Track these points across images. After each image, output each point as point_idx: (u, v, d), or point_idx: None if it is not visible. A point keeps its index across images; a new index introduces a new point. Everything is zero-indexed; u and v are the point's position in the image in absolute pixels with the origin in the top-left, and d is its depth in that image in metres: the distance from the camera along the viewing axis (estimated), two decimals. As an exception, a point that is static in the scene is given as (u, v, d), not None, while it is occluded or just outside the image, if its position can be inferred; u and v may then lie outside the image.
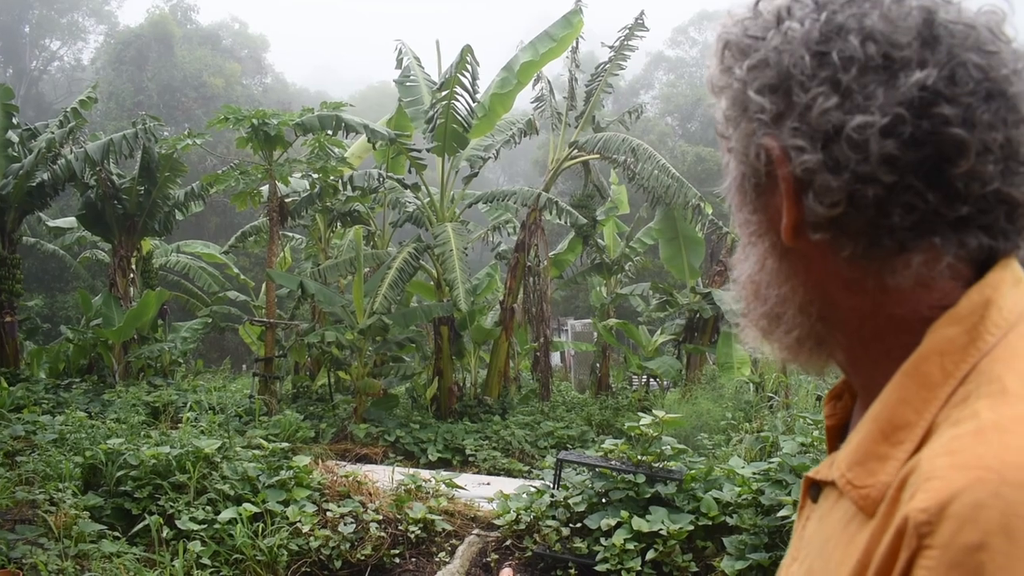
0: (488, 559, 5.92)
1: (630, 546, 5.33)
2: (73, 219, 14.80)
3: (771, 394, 9.97)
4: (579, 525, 5.79)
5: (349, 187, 12.29)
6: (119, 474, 6.23)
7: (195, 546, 5.42)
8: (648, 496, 5.76)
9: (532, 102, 14.01)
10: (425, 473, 7.29)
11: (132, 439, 6.94)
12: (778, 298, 0.80)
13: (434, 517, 6.24)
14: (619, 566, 5.28)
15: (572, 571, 5.58)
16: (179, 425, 7.78)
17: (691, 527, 5.43)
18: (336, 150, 12.20)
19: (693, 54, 47.03)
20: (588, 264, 15.59)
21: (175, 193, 13.71)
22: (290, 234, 16.11)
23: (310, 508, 6.08)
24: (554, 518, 5.86)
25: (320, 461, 7.44)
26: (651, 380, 15.39)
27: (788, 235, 0.76)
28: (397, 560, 5.93)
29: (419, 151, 12.13)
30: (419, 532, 6.11)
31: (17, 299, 12.89)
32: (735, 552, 5.11)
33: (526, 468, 9.43)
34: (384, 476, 7.12)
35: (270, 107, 14.31)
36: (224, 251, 16.52)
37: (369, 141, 12.14)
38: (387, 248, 13.75)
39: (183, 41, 38.19)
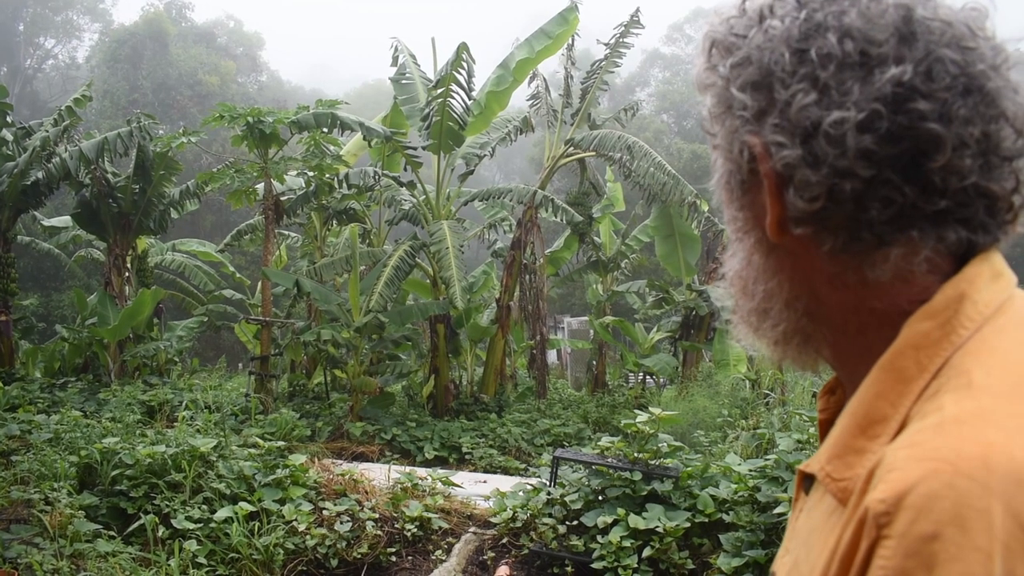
0: (485, 557, 5.92)
1: (627, 543, 5.33)
2: (68, 218, 14.76)
3: (767, 391, 9.98)
4: (576, 523, 5.79)
5: (345, 185, 12.28)
6: (114, 473, 6.20)
7: (191, 545, 5.41)
8: (644, 493, 5.76)
9: (528, 99, 14.01)
10: (421, 471, 7.29)
11: (127, 438, 6.92)
12: (765, 293, 0.81)
13: (430, 515, 6.23)
14: (616, 563, 5.29)
15: (569, 569, 5.58)
16: (175, 424, 7.76)
17: (687, 524, 5.43)
18: (332, 148, 12.18)
19: (689, 51, 47.03)
20: (584, 261, 15.59)
21: (170, 191, 13.69)
22: (286, 232, 16.09)
23: (306, 507, 6.07)
24: (551, 516, 5.86)
25: (316, 459, 7.44)
26: (647, 377, 15.39)
27: (773, 231, 0.77)
28: (393, 558, 5.93)
29: (415, 149, 12.11)
30: (415, 530, 6.10)
31: (12, 298, 12.86)
32: (731, 549, 5.11)
33: (523, 466, 9.42)
34: (380, 474, 7.11)
35: (265, 105, 14.29)
36: (220, 249, 16.50)
37: (365, 139, 12.14)
38: (383, 246, 13.74)
39: (178, 39, 38.10)
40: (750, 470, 5.70)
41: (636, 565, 5.26)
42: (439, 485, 6.80)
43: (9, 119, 13.03)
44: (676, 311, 14.31)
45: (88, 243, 16.20)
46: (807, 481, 0.81)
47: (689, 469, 5.88)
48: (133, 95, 33.79)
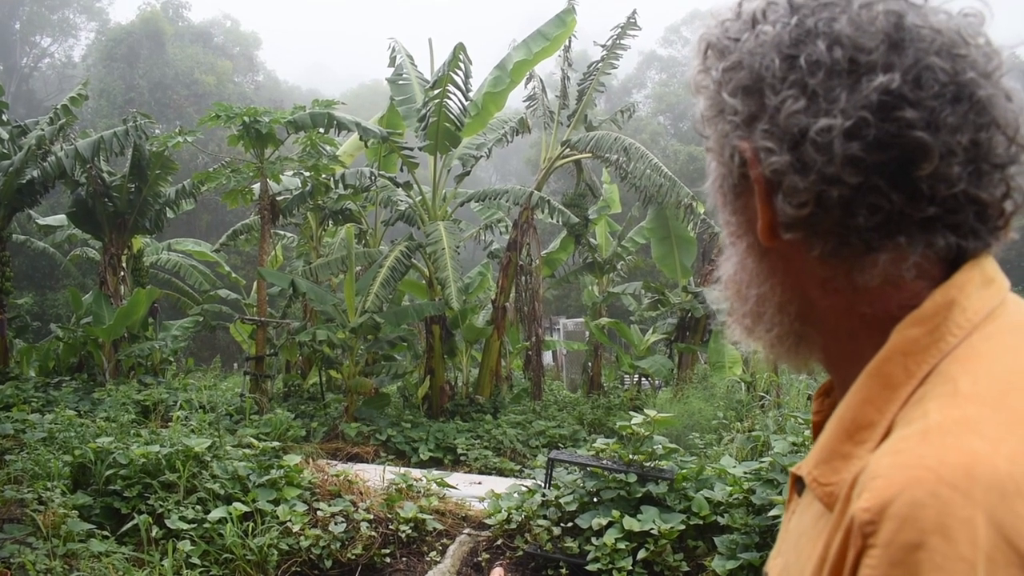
0: (479, 558, 5.91)
1: (621, 545, 5.33)
2: (63, 217, 14.71)
3: (762, 393, 9.98)
4: (570, 524, 5.79)
5: (341, 185, 12.27)
6: (108, 473, 6.19)
7: (184, 545, 5.39)
8: (639, 495, 5.76)
9: (524, 101, 14.00)
10: (416, 472, 7.28)
11: (122, 438, 6.90)
12: (758, 297, 0.81)
13: (425, 516, 6.23)
14: (610, 565, 5.28)
15: (563, 570, 5.58)
16: (169, 424, 7.75)
17: (682, 526, 5.43)
18: (328, 148, 12.17)
19: (685, 53, 46.98)
20: (580, 263, 15.58)
21: (166, 191, 13.65)
22: (282, 232, 16.08)
23: (300, 507, 6.06)
24: (545, 517, 5.86)
25: (311, 460, 7.43)
26: (643, 379, 15.41)
27: (764, 235, 0.77)
28: (388, 560, 5.92)
29: (411, 149, 12.11)
30: (410, 531, 6.10)
31: (7, 297, 12.81)
32: (726, 551, 5.11)
33: (517, 467, 9.42)
34: (375, 475, 7.10)
35: (262, 105, 14.27)
36: (215, 249, 16.48)
37: (361, 139, 12.12)
38: (379, 247, 13.73)
39: (174, 38, 38.05)
40: (745, 472, 5.70)
41: (631, 567, 5.26)
42: (434, 486, 6.79)
43: (5, 117, 13.00)
44: (672, 313, 14.32)
45: (83, 242, 16.16)
46: (799, 483, 0.82)
47: (684, 471, 5.88)
48: (129, 94, 33.72)
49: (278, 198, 12.36)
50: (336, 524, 5.96)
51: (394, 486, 6.65)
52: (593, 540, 5.49)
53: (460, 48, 10.95)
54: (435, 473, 7.23)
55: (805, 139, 0.71)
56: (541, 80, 14.00)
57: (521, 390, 13.74)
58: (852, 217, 0.72)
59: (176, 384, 11.43)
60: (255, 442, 7.08)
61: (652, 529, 5.36)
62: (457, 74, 11.11)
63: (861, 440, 0.71)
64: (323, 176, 12.00)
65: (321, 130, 11.45)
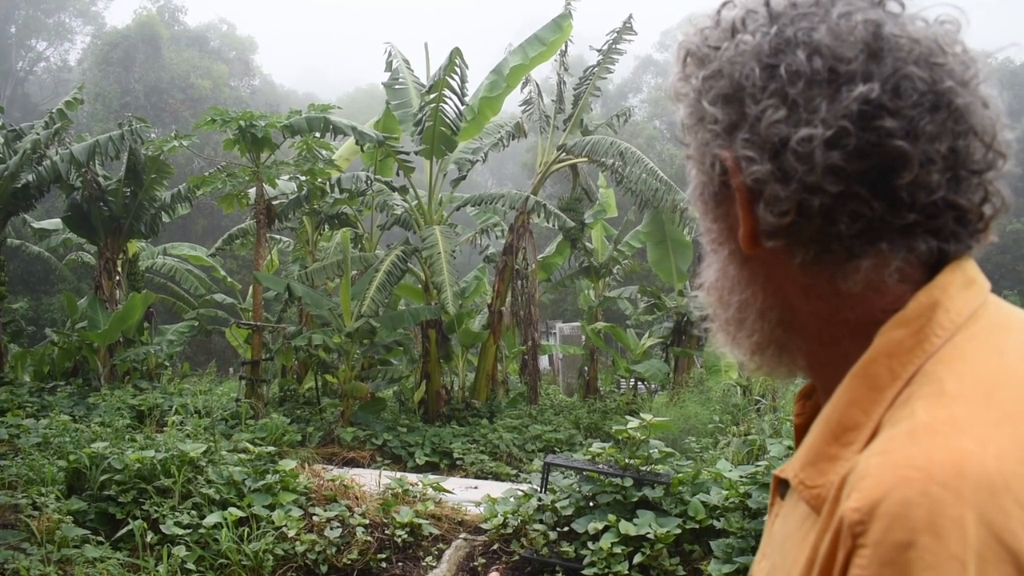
0: (475, 563, 5.90)
1: (617, 550, 5.32)
2: (58, 221, 14.70)
3: (758, 397, 9.99)
4: (566, 529, 5.79)
5: (337, 189, 12.27)
6: (103, 478, 6.17)
7: (180, 551, 5.38)
8: (635, 500, 5.76)
9: (520, 105, 14.01)
10: (412, 477, 7.27)
11: (117, 443, 6.89)
12: (740, 303, 0.82)
13: (421, 521, 6.22)
14: (606, 570, 5.28)
15: (559, 575, 5.57)
16: (164, 429, 7.74)
17: (678, 530, 5.43)
18: (324, 152, 12.17)
19: (679, 58, 47.09)
20: (576, 267, 15.60)
21: (161, 195, 13.63)
22: (277, 236, 16.06)
23: (296, 512, 6.05)
24: (541, 522, 5.85)
25: (307, 465, 7.41)
26: (639, 383, 15.41)
27: (745, 243, 0.78)
28: (384, 564, 5.91)
29: (407, 154, 12.11)
30: (406, 536, 6.09)
31: (2, 301, 12.79)
32: (722, 555, 5.11)
33: (514, 472, 9.41)
34: (371, 480, 7.09)
35: (258, 109, 14.26)
36: (211, 253, 16.45)
37: (357, 143, 12.11)
38: (375, 251, 13.73)
39: (170, 42, 38.04)
40: (741, 476, 5.70)
41: (627, 571, 5.26)
42: (430, 491, 6.79)
43: (0, 121, 12.98)
44: (668, 317, 14.34)
45: (79, 246, 16.13)
46: (783, 486, 0.82)
47: (680, 475, 5.88)
48: (125, 98, 33.69)
49: (274, 202, 12.35)
50: (332, 529, 5.94)
51: (390, 491, 6.64)
52: (589, 544, 5.49)
53: (456, 53, 10.97)
54: (431, 478, 7.22)
55: (786, 148, 0.72)
56: (537, 85, 14.02)
57: (517, 394, 13.73)
58: (834, 225, 0.73)
59: (171, 389, 11.42)
60: (251, 447, 7.07)
61: (648, 533, 5.36)
62: (453, 79, 11.12)
63: (848, 442, 0.71)
64: (319, 180, 12.00)
65: (317, 134, 11.45)
